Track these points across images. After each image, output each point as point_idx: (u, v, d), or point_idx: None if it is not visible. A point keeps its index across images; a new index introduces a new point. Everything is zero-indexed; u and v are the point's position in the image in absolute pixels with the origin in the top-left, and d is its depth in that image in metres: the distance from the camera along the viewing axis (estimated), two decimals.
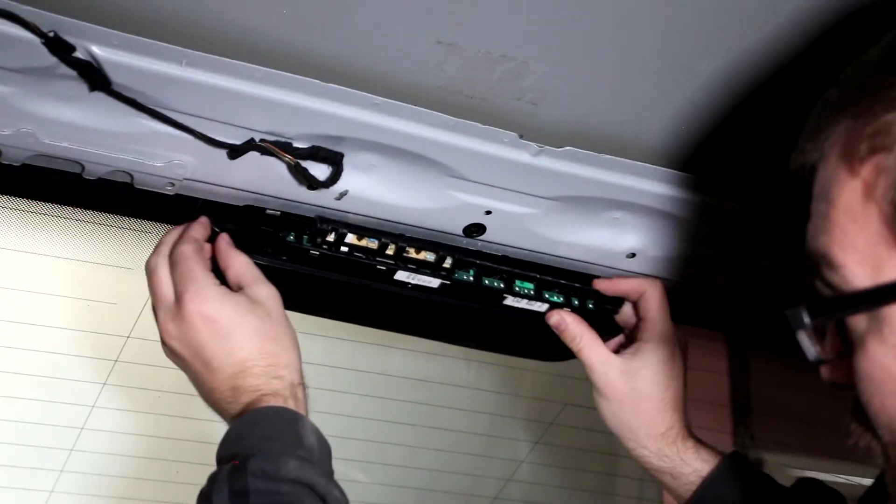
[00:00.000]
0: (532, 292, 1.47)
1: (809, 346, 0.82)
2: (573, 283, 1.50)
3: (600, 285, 1.51)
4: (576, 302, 1.50)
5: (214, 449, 1.21)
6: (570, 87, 1.19)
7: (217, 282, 1.26)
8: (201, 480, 1.17)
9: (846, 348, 0.82)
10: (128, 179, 1.27)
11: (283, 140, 1.24)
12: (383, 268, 1.37)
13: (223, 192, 1.32)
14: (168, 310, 1.25)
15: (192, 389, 1.28)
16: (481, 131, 1.24)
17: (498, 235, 1.44)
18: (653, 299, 1.47)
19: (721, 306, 1.67)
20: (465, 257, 1.42)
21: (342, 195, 1.33)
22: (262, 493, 1.09)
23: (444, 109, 1.21)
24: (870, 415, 0.81)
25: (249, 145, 1.23)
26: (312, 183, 1.28)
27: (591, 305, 1.50)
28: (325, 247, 1.34)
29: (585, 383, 1.48)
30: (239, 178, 1.29)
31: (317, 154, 1.26)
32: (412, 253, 1.38)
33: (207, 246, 1.31)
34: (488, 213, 1.39)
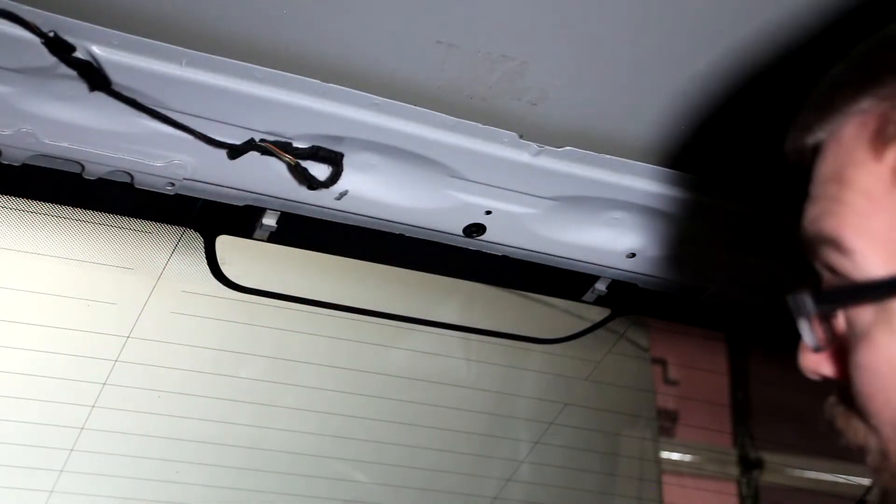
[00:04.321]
0: None
1: (810, 334, 0.77)
2: None
3: None
4: None
5: (214, 449, 1.21)
6: (570, 87, 1.19)
7: None
8: (201, 480, 1.17)
9: (832, 338, 0.77)
10: (128, 179, 1.27)
11: (283, 140, 1.24)
12: None
13: (223, 192, 1.32)
14: None
15: (192, 389, 1.28)
16: (481, 131, 1.25)
17: (498, 235, 1.44)
18: None
19: (721, 306, 1.67)
20: None
21: (342, 195, 1.33)
22: None
23: (444, 109, 1.21)
24: (870, 411, 0.76)
25: (249, 145, 1.23)
26: (312, 183, 1.28)
27: None
28: None
29: (585, 383, 1.47)
30: (239, 178, 1.29)
31: (317, 154, 1.26)
32: None
33: None
34: (488, 213, 1.39)
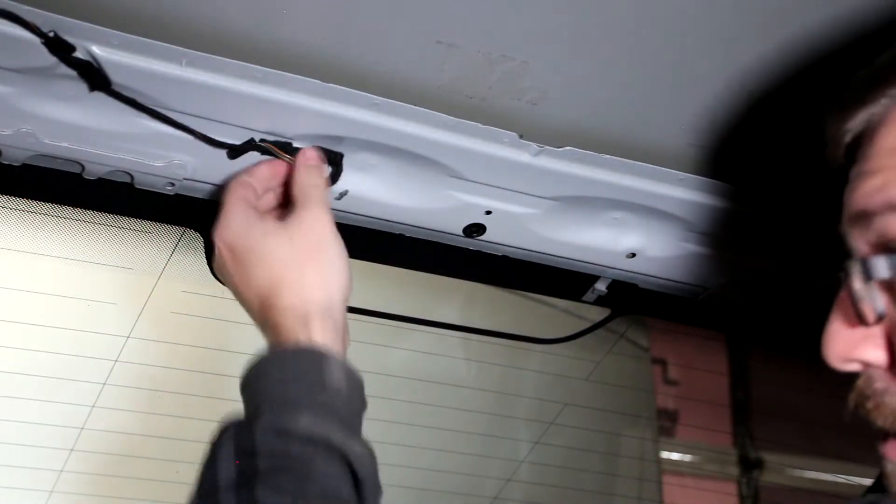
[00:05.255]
0: None
1: (878, 299, 0.76)
2: None
3: None
4: None
5: None
6: (570, 87, 1.19)
7: (248, 208, 1.19)
8: None
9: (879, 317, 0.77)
10: (128, 179, 1.27)
11: (283, 140, 1.24)
12: None
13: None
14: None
15: (192, 389, 1.28)
16: (481, 131, 1.25)
17: (498, 235, 1.44)
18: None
19: (721, 306, 1.67)
20: None
21: (342, 195, 1.33)
22: (271, 455, 1.00)
23: (444, 109, 1.21)
24: None
25: (249, 145, 1.23)
26: None
27: None
28: None
29: (585, 383, 1.47)
30: None
31: None
32: None
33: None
34: (488, 213, 1.39)
